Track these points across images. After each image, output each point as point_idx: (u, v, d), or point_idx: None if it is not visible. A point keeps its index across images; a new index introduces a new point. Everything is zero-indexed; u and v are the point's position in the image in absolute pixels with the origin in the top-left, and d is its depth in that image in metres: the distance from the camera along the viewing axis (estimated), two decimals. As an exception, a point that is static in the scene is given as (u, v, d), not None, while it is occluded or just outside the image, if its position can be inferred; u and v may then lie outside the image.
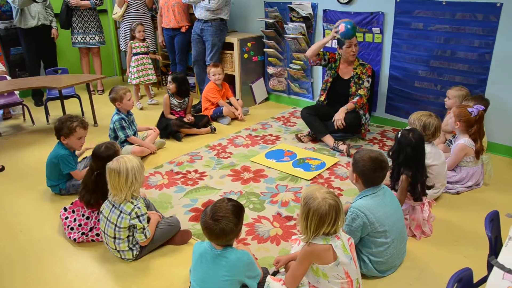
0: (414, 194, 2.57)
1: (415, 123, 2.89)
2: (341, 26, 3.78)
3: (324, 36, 4.77)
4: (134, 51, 5.26)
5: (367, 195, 2.24)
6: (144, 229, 2.42)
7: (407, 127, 2.65)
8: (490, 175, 3.31)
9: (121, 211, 2.37)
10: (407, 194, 2.59)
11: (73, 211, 2.76)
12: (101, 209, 2.49)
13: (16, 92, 4.86)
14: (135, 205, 2.38)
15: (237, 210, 1.94)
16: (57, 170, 3.16)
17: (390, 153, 2.66)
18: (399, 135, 2.60)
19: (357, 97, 3.97)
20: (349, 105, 3.96)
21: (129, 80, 5.41)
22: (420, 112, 2.96)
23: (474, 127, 3.07)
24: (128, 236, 2.42)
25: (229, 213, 1.89)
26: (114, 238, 2.41)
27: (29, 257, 2.56)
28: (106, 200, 2.47)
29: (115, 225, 2.38)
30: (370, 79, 4.02)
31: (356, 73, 4.01)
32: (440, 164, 2.88)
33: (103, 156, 2.63)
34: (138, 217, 2.38)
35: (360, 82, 4.01)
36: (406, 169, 2.54)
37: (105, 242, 2.50)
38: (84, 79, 4.76)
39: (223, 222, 1.86)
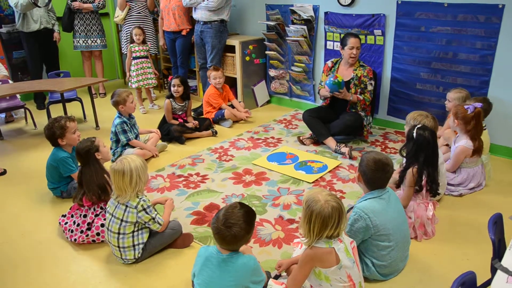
0: (432, 190, 2.62)
1: (410, 123, 2.91)
2: (327, 88, 3.90)
3: (325, 38, 4.77)
4: (133, 55, 5.26)
5: (372, 197, 2.23)
6: (154, 218, 2.44)
7: (418, 125, 2.66)
8: (490, 176, 3.31)
9: (127, 206, 2.39)
10: (413, 194, 2.63)
11: (72, 216, 2.76)
12: (106, 206, 2.50)
13: (18, 96, 4.87)
14: (140, 198, 2.40)
15: (250, 216, 1.93)
16: (57, 173, 3.16)
17: (404, 152, 2.68)
18: (414, 134, 2.60)
19: (362, 98, 3.96)
20: (354, 97, 3.95)
21: (129, 84, 5.42)
22: (417, 112, 2.99)
23: (471, 123, 3.06)
24: (133, 232, 2.42)
25: (242, 220, 1.88)
26: (118, 233, 2.40)
27: (30, 260, 2.56)
28: (110, 199, 2.49)
29: (121, 220, 2.39)
30: (372, 82, 4.00)
31: (356, 74, 3.99)
32: (438, 164, 2.85)
33: (82, 152, 2.72)
34: (144, 209, 2.40)
35: (362, 85, 3.98)
36: (426, 168, 2.58)
37: (108, 240, 2.49)
38: (86, 82, 4.77)
39: (235, 229, 1.85)
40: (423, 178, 2.59)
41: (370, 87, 3.98)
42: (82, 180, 2.70)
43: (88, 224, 2.67)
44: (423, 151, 2.57)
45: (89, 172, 2.70)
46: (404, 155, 2.69)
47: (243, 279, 1.93)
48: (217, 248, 1.96)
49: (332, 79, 3.82)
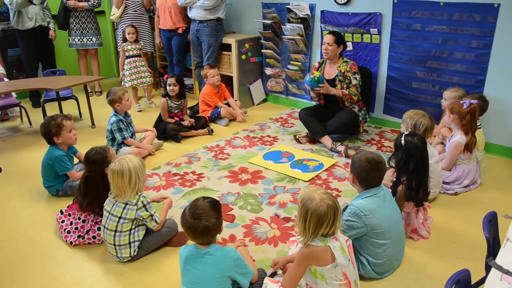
0: (416, 199, 2.50)
1: (407, 121, 2.91)
2: (307, 87, 3.96)
3: (321, 36, 4.77)
4: (126, 53, 5.25)
5: (368, 196, 2.23)
6: (152, 216, 2.44)
7: (406, 132, 2.58)
8: (485, 173, 3.32)
9: (126, 203, 2.38)
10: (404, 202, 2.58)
11: (69, 214, 2.75)
12: (104, 204, 2.49)
13: (13, 94, 4.84)
14: (140, 195, 2.40)
15: (215, 205, 1.96)
16: (53, 171, 3.15)
17: (393, 162, 2.57)
18: (402, 141, 2.49)
19: (347, 92, 3.95)
20: (338, 91, 3.94)
21: (122, 83, 5.41)
22: (413, 111, 2.97)
23: (466, 118, 3.06)
24: (130, 229, 2.42)
25: (208, 209, 1.91)
26: (115, 231, 2.39)
27: (27, 259, 2.55)
28: (108, 198, 2.48)
29: (119, 217, 2.38)
30: (357, 76, 3.97)
31: (340, 71, 3.99)
32: (433, 163, 2.83)
33: (90, 160, 2.65)
34: (144, 206, 2.40)
35: (347, 81, 3.97)
36: (415, 176, 2.46)
37: (103, 238, 2.48)
38: (81, 81, 4.75)
39: (204, 218, 1.87)
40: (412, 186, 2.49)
41: (354, 81, 3.96)
42: (86, 188, 2.64)
43: (87, 231, 2.66)
44: (413, 158, 2.45)
45: (95, 186, 2.62)
46: (393, 165, 2.58)
47: (226, 269, 1.94)
48: (195, 245, 1.97)
49: (309, 76, 3.86)
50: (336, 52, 3.98)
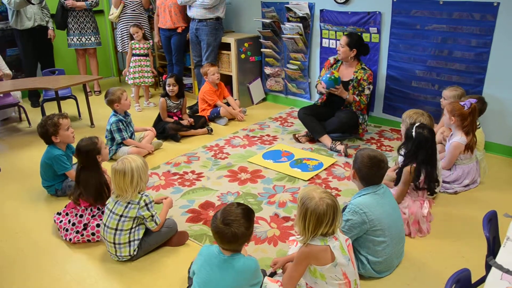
0: (429, 188, 2.61)
1: (406, 121, 2.92)
2: (323, 84, 3.93)
3: (321, 35, 4.77)
4: (133, 52, 5.25)
5: (367, 193, 2.24)
6: (153, 216, 2.44)
7: (416, 124, 2.64)
8: (485, 172, 3.32)
9: (128, 203, 2.38)
10: (408, 190, 2.63)
11: (67, 214, 2.75)
12: (106, 203, 2.50)
13: (14, 93, 4.83)
14: (142, 194, 2.41)
15: (248, 213, 1.92)
16: (52, 170, 3.15)
17: (403, 151, 2.67)
18: (413, 133, 2.59)
19: (358, 99, 3.96)
20: (350, 96, 3.95)
21: (126, 79, 5.42)
22: (413, 110, 3.00)
23: (468, 119, 3.06)
24: (130, 228, 2.41)
25: (240, 216, 1.86)
26: (116, 229, 2.39)
27: (27, 258, 2.54)
28: (111, 197, 2.49)
29: (121, 216, 2.38)
30: (371, 86, 3.99)
31: (356, 77, 3.98)
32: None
33: (82, 150, 2.70)
34: (146, 205, 2.40)
35: (360, 88, 3.96)
36: (425, 166, 2.56)
37: (103, 236, 2.47)
38: (80, 80, 4.74)
39: (235, 225, 1.83)
40: (421, 176, 2.58)
41: (367, 91, 3.97)
42: (79, 180, 2.68)
43: (85, 225, 2.66)
44: (422, 150, 2.56)
45: (87, 174, 2.68)
46: (402, 154, 2.67)
47: (244, 281, 1.91)
48: (219, 248, 1.94)
49: (328, 75, 3.84)
50: (348, 55, 3.96)
